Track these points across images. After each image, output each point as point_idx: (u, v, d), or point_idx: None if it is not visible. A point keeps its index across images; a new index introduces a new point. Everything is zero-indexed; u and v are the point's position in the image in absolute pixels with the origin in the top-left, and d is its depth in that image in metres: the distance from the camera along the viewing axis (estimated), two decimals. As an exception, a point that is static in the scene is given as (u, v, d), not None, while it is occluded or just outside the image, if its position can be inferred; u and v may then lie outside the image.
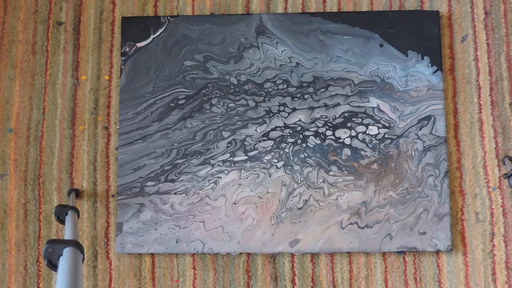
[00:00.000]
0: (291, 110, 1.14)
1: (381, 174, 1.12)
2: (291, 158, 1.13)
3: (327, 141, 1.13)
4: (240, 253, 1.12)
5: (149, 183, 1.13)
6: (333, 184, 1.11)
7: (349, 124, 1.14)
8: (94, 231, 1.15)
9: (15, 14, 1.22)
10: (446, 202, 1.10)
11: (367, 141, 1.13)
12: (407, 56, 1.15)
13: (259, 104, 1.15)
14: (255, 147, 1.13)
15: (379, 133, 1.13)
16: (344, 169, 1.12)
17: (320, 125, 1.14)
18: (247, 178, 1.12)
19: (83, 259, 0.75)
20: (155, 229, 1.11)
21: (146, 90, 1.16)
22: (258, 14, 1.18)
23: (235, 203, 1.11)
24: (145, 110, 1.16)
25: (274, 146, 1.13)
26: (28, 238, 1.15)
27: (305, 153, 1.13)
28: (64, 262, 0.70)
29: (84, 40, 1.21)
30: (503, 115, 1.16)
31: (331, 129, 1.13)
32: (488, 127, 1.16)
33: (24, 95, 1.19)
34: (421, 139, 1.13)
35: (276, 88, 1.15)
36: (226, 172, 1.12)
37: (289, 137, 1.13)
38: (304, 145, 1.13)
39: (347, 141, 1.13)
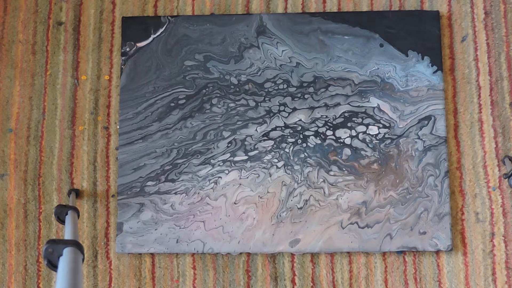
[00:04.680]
0: (291, 110, 1.14)
1: (381, 174, 1.12)
2: (292, 158, 1.13)
3: (327, 141, 1.13)
4: (240, 253, 1.12)
5: (149, 183, 1.13)
6: (334, 184, 1.11)
7: (349, 124, 1.14)
8: (94, 231, 1.15)
9: (15, 14, 1.22)
10: (446, 202, 1.10)
11: (367, 141, 1.13)
12: (407, 56, 1.16)
13: (259, 104, 1.15)
14: (256, 147, 1.13)
15: (379, 133, 1.13)
16: (344, 169, 1.12)
17: (320, 125, 1.14)
18: (248, 178, 1.12)
19: (83, 259, 0.75)
20: (155, 229, 1.11)
21: (146, 90, 1.16)
22: (258, 14, 1.18)
23: (235, 203, 1.11)
24: (145, 110, 1.16)
25: (275, 146, 1.13)
26: (28, 238, 1.15)
27: (305, 153, 1.13)
28: (64, 262, 0.70)
29: (84, 40, 1.21)
30: (503, 115, 1.16)
31: (331, 129, 1.13)
32: (488, 127, 1.16)
33: (24, 95, 1.19)
34: (421, 139, 1.13)
35: (276, 88, 1.15)
36: (227, 172, 1.12)
37: (289, 137, 1.13)
38: (304, 145, 1.13)
39: (348, 141, 1.13)
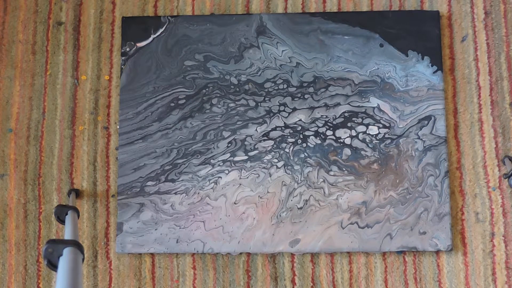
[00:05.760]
0: (291, 110, 1.14)
1: (381, 174, 1.12)
2: (292, 158, 1.13)
3: (327, 141, 1.13)
4: (240, 253, 1.12)
5: (149, 183, 1.13)
6: (334, 184, 1.11)
7: (349, 124, 1.14)
8: (94, 231, 1.15)
9: (15, 14, 1.22)
10: (447, 202, 1.10)
11: (367, 141, 1.13)
12: (407, 56, 1.16)
13: (259, 104, 1.15)
14: (256, 147, 1.13)
15: (379, 133, 1.13)
16: (344, 169, 1.12)
17: (320, 125, 1.14)
18: (248, 178, 1.12)
19: (83, 259, 0.75)
20: (155, 229, 1.11)
21: (146, 90, 1.16)
22: (258, 14, 1.18)
23: (235, 203, 1.12)
24: (145, 110, 1.16)
25: (275, 146, 1.13)
26: (28, 238, 1.15)
27: (305, 153, 1.13)
28: (64, 262, 0.70)
29: (84, 40, 1.21)
30: (503, 115, 1.16)
31: (331, 129, 1.14)
32: (488, 127, 1.16)
33: (24, 95, 1.19)
34: (421, 139, 1.13)
35: (276, 88, 1.15)
36: (227, 172, 1.13)
37: (289, 137, 1.14)
38: (304, 145, 1.13)
39: (348, 141, 1.13)
